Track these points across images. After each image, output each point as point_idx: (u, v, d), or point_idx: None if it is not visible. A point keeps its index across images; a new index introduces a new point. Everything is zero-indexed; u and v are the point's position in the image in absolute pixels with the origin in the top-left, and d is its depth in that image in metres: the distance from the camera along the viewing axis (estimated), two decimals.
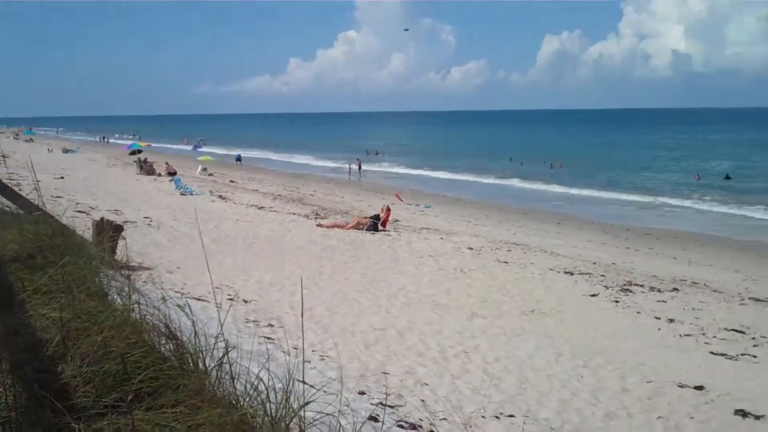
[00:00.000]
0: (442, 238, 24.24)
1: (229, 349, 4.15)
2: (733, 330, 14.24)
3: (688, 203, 47.38)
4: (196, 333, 4.27)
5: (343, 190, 47.88)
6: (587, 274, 19.43)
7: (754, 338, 13.75)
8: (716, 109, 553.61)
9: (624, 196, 50.79)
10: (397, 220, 28.12)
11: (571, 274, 19.26)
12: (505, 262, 20.29)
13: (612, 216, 40.63)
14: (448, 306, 14.44)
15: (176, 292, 10.79)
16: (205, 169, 50.17)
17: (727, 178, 61.50)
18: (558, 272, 19.34)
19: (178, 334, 4.44)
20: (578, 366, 10.94)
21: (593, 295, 16.77)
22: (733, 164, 74.56)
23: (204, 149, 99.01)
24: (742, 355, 12.56)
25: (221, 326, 4.54)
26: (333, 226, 24.45)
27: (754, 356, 12.52)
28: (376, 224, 24.83)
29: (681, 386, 10.46)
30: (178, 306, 4.89)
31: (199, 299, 10.19)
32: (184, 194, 30.74)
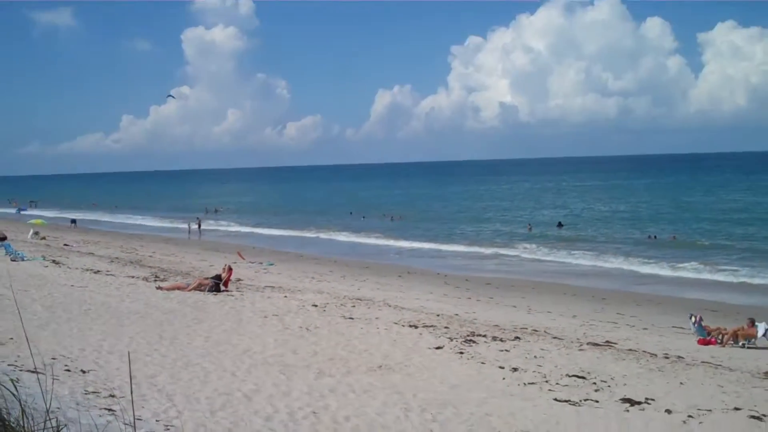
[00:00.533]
0: (286, 296, 23.99)
1: (62, 426, 3.87)
2: (574, 376, 14.69)
3: (523, 253, 49.14)
4: (23, 412, 3.97)
5: (183, 250, 46.86)
6: (431, 326, 19.65)
7: (594, 383, 14.22)
8: (541, 158, 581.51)
9: (462, 248, 52.22)
10: (239, 280, 27.65)
11: (416, 327, 19.42)
12: (351, 318, 20.27)
13: (452, 267, 41.69)
14: (295, 366, 14.23)
15: (9, 365, 10.20)
16: (37, 233, 47.89)
17: (560, 225, 64.64)
18: (403, 326, 19.47)
19: (6, 413, 4.13)
20: (427, 420, 10.98)
21: (438, 348, 16.93)
22: (562, 213, 78.50)
23: (30, 212, 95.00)
24: (585, 400, 12.94)
25: (48, 403, 4.25)
26: (174, 288, 23.73)
27: (596, 401, 12.93)
28: (218, 284, 24.28)
29: None
30: (2, 384, 4.54)
31: (33, 371, 9.61)
32: (14, 260, 29.18)
